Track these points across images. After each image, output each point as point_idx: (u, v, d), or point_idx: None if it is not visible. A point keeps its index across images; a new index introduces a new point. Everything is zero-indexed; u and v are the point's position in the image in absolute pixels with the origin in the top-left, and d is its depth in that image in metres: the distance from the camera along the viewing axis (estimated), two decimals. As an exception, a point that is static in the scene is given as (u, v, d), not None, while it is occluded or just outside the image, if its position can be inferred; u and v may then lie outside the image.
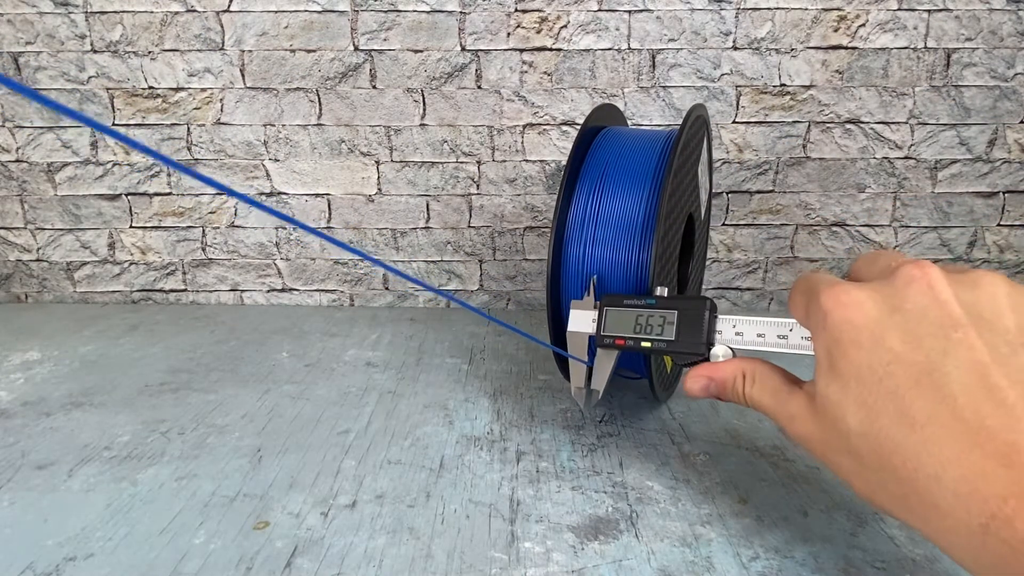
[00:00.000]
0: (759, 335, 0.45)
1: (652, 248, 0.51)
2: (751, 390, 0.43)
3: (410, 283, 0.95)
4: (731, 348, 0.46)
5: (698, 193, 0.66)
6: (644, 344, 0.48)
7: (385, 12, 0.86)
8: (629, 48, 0.87)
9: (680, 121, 0.89)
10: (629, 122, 0.89)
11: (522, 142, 0.90)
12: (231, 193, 0.34)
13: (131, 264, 0.95)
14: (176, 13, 0.86)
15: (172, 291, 0.96)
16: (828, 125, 0.89)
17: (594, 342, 0.51)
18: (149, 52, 0.87)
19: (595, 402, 0.52)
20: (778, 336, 0.44)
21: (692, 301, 0.47)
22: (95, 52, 0.87)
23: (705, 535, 0.44)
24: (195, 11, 0.86)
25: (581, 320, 0.52)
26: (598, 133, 0.64)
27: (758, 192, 0.92)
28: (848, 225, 0.93)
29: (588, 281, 0.55)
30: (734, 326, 0.46)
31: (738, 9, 0.86)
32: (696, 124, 0.61)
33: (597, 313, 0.51)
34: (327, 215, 0.93)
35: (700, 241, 0.73)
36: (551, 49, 0.87)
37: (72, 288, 0.96)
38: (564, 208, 0.58)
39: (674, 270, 0.59)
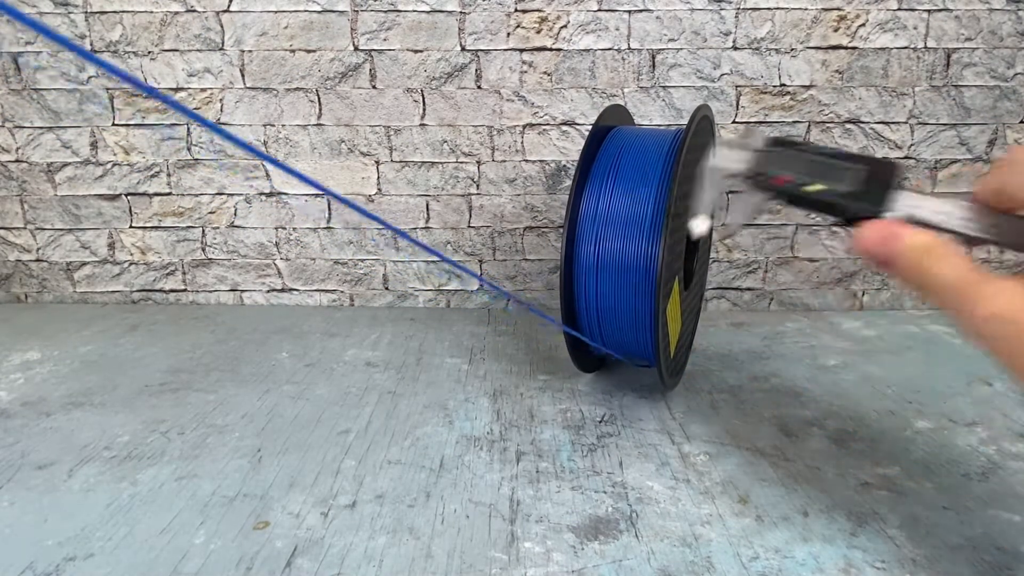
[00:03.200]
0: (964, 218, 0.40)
1: (661, 242, 0.52)
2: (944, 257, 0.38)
3: (410, 283, 0.95)
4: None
5: None
6: (810, 188, 0.43)
7: (385, 12, 0.86)
8: (629, 48, 0.87)
9: (680, 120, 0.89)
10: (629, 122, 0.89)
11: (522, 142, 0.90)
12: (325, 190, 0.34)
13: (131, 264, 0.95)
14: (176, 13, 0.86)
15: (172, 291, 0.96)
16: (828, 125, 0.89)
17: (744, 178, 0.45)
18: (149, 52, 0.87)
19: (730, 234, 0.50)
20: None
21: (884, 164, 0.43)
22: (95, 52, 0.87)
23: (705, 535, 0.44)
24: (195, 11, 0.86)
25: (729, 158, 0.46)
26: (608, 132, 0.65)
27: (758, 192, 0.92)
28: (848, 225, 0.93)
29: (600, 270, 0.55)
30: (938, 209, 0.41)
31: (738, 9, 0.86)
32: (702, 124, 0.62)
33: (757, 154, 0.45)
34: (327, 215, 0.93)
35: (705, 239, 0.74)
36: (551, 49, 0.87)
37: (72, 288, 0.96)
38: (576, 203, 0.59)
39: (681, 264, 0.60)
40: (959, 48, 0.87)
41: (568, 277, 0.59)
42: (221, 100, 0.89)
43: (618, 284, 0.57)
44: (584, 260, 0.58)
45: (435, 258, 0.94)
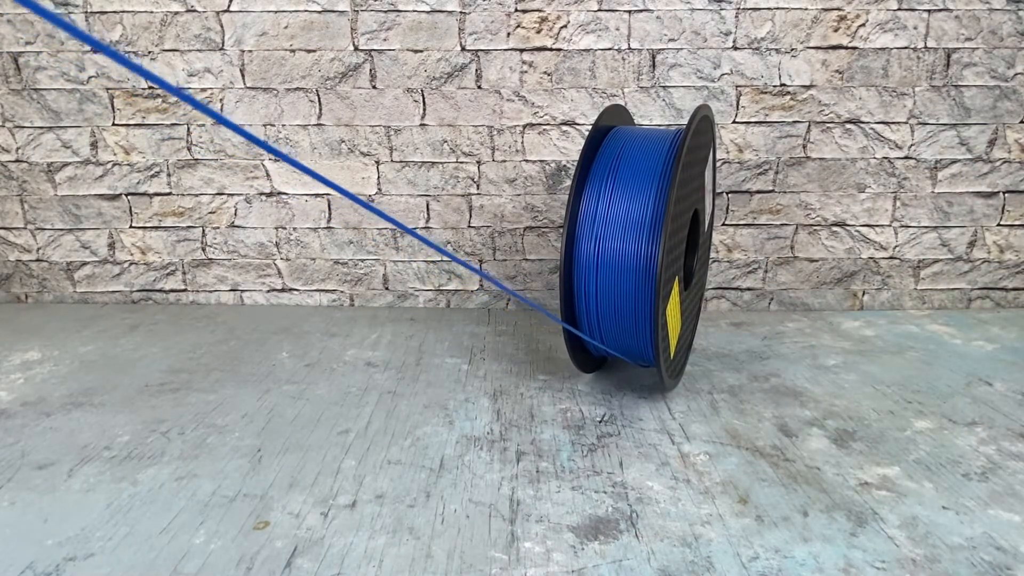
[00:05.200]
0: None
1: (661, 242, 0.53)
2: None
3: (410, 283, 0.95)
4: None
5: (703, 193, 0.67)
6: None
7: (385, 12, 0.86)
8: (629, 48, 0.87)
9: (680, 120, 0.89)
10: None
11: (522, 142, 0.90)
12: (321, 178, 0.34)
13: (131, 264, 0.95)
14: (176, 13, 0.86)
15: (172, 291, 0.96)
16: (828, 125, 0.89)
17: None
18: (149, 52, 0.87)
19: None
20: None
21: None
22: (95, 52, 0.87)
23: (705, 535, 0.44)
24: (195, 11, 0.86)
25: None
26: (608, 132, 0.65)
27: (758, 192, 0.92)
28: (848, 225, 0.93)
29: (600, 270, 0.55)
30: None
31: (738, 9, 0.86)
32: (703, 124, 0.62)
33: None
34: (327, 215, 0.93)
35: (705, 238, 0.74)
36: (551, 49, 0.87)
37: (72, 288, 0.96)
38: (576, 203, 0.59)
39: (681, 264, 0.60)
40: (959, 48, 0.87)
41: (568, 277, 0.59)
42: (221, 100, 0.89)
43: (618, 284, 0.57)
44: (584, 260, 0.58)
45: (435, 258, 0.94)
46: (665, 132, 0.63)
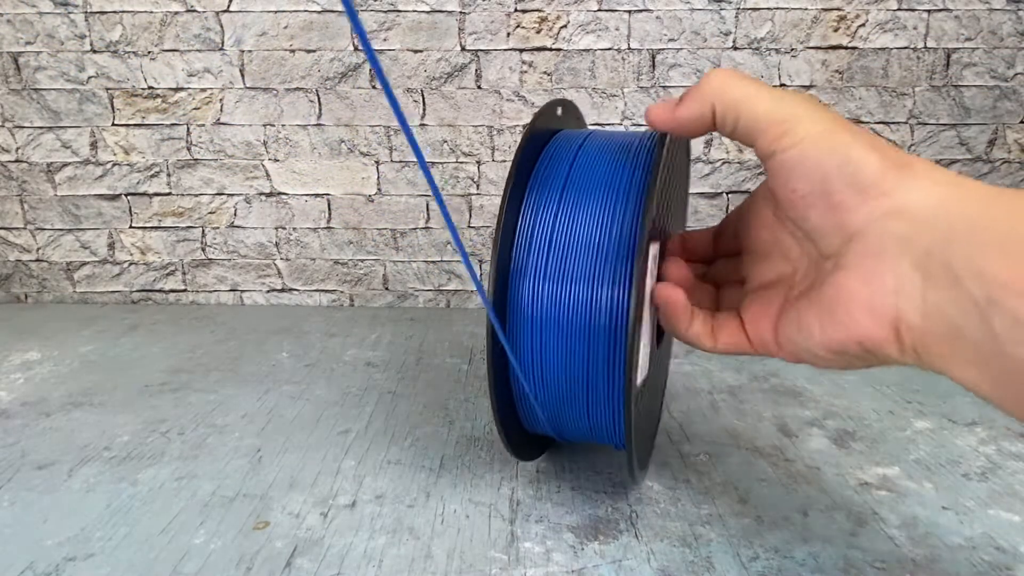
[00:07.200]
0: None
1: (632, 287, 0.38)
2: None
3: (410, 283, 0.95)
4: None
5: (684, 217, 0.58)
6: None
7: (385, 12, 0.86)
8: (629, 48, 0.87)
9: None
10: (628, 122, 0.89)
11: (522, 142, 0.90)
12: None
13: (131, 264, 0.95)
14: (176, 13, 0.86)
15: (172, 291, 0.96)
16: (828, 125, 0.89)
17: None
18: (149, 52, 0.87)
19: None
20: None
21: None
22: (95, 52, 0.87)
23: (705, 535, 0.44)
24: (195, 11, 0.86)
25: None
26: (552, 137, 0.49)
27: (758, 192, 0.92)
28: (848, 225, 0.93)
29: (543, 327, 0.39)
30: None
31: (738, 9, 0.86)
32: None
33: None
34: (327, 215, 0.93)
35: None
36: (551, 49, 0.87)
37: (72, 288, 0.96)
38: (509, 229, 0.43)
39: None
40: (959, 48, 0.87)
41: (499, 328, 0.43)
42: (221, 100, 0.89)
43: (571, 342, 0.42)
44: (525, 308, 0.44)
45: (435, 258, 0.94)
46: (628, 136, 0.47)
